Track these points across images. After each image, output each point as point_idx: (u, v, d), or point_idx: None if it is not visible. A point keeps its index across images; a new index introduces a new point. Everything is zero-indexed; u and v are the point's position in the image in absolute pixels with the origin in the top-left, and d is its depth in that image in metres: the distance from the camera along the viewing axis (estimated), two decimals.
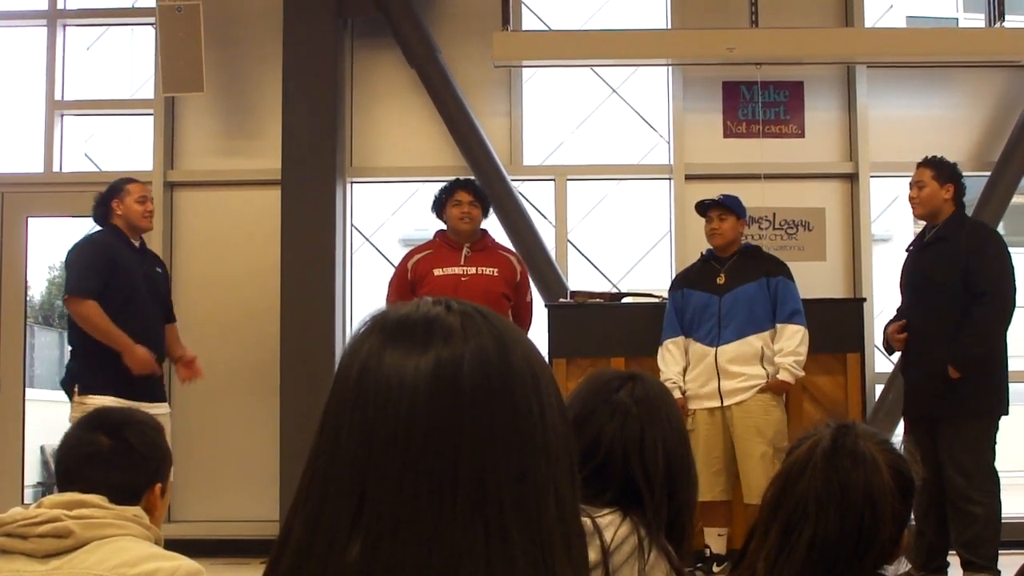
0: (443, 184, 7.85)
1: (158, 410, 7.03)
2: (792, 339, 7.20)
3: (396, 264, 7.96)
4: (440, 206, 7.72)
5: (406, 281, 7.61)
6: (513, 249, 8.11)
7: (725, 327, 7.24)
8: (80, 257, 6.98)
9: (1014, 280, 6.96)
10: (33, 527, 2.60)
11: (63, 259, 7.18)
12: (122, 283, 6.92)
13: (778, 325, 7.26)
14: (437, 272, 7.52)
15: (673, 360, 7.42)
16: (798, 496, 2.25)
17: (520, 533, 1.25)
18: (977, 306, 6.80)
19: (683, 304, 7.45)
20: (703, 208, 7.54)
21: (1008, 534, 7.47)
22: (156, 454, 2.94)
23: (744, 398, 7.12)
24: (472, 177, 8.37)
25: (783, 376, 7.13)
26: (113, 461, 2.82)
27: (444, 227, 7.75)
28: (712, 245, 7.51)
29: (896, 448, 2.39)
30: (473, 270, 7.54)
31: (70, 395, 6.85)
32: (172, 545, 2.79)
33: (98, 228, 7.18)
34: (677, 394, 7.36)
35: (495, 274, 7.57)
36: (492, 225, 8.42)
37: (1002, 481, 6.89)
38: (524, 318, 7.76)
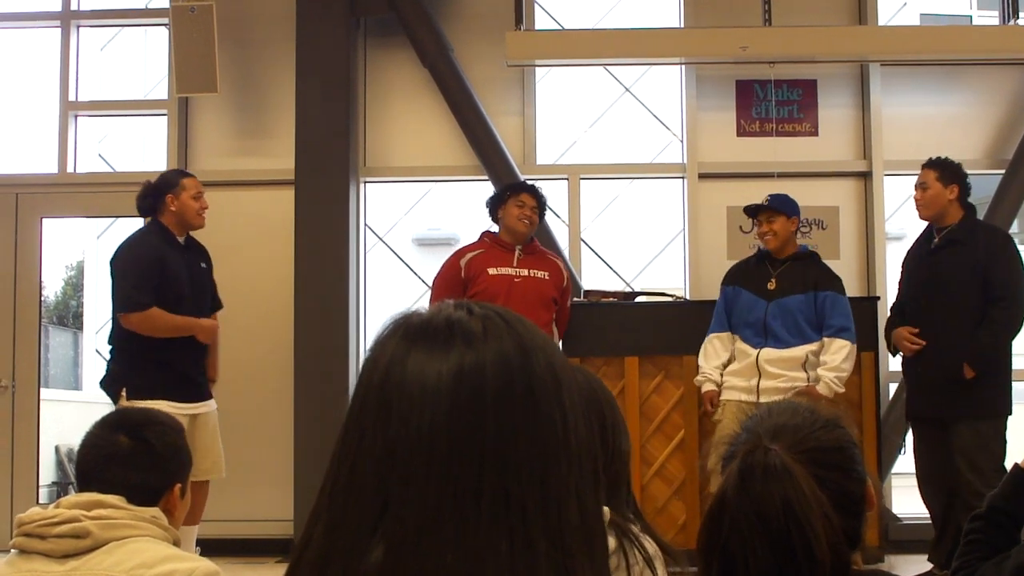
0: (507, 183, 7.88)
1: (208, 408, 7.01)
2: (838, 354, 7.15)
3: (421, 262, 7.95)
4: (500, 201, 7.75)
5: (459, 280, 7.61)
6: (560, 254, 8.12)
7: (770, 335, 7.22)
8: (131, 268, 6.81)
9: None
10: (51, 527, 2.61)
11: (110, 266, 6.97)
12: (170, 290, 6.80)
13: (825, 339, 7.21)
14: (491, 271, 7.55)
15: (715, 354, 7.41)
16: (724, 537, 2.12)
17: (543, 538, 1.25)
18: (994, 309, 6.83)
19: (733, 300, 7.44)
20: (751, 212, 7.52)
21: None
22: (176, 455, 2.94)
23: (779, 398, 7.08)
24: (536, 183, 8.32)
25: (821, 389, 7.05)
26: (133, 461, 2.82)
27: (491, 229, 7.82)
28: (768, 248, 7.46)
29: (833, 430, 2.27)
30: (526, 272, 7.59)
31: (115, 398, 6.73)
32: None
33: (142, 226, 7.05)
34: (710, 387, 7.35)
35: (546, 278, 7.62)
36: None
37: None
38: (564, 322, 7.79)
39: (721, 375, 7.36)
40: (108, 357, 7.00)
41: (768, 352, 7.19)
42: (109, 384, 6.84)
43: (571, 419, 1.32)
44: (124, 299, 6.76)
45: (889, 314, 7.48)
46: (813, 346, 7.20)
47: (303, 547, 1.31)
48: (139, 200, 7.03)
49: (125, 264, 6.86)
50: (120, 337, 6.83)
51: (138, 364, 6.74)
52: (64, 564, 2.60)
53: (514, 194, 7.74)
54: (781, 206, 7.40)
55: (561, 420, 1.31)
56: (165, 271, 6.80)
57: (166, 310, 6.75)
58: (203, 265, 7.18)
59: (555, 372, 1.34)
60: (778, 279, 7.34)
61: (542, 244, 8.15)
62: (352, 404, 1.34)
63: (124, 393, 6.65)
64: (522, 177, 8.93)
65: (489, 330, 1.32)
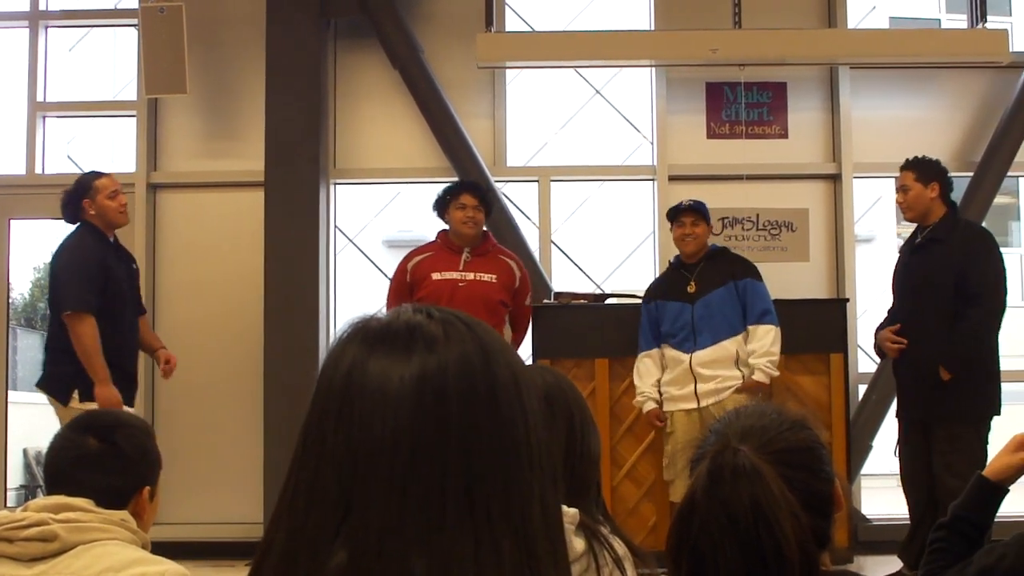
0: (447, 184, 7.82)
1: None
2: (764, 339, 7.22)
3: (392, 264, 7.90)
4: (443, 206, 7.68)
5: (405, 283, 7.59)
6: (513, 253, 8.04)
7: (700, 333, 7.26)
8: (77, 268, 6.80)
9: (1006, 282, 6.94)
10: (19, 531, 2.59)
11: (51, 266, 6.98)
12: (112, 290, 6.83)
13: (749, 327, 7.28)
14: (435, 276, 7.49)
15: (648, 373, 7.45)
16: (694, 538, 2.13)
17: (508, 540, 1.26)
18: (970, 307, 6.80)
19: (658, 316, 7.46)
20: (676, 212, 7.55)
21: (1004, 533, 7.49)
22: (145, 458, 2.93)
23: (720, 398, 7.12)
24: (476, 180, 8.31)
25: (758, 377, 7.14)
26: (102, 464, 2.81)
27: (446, 227, 7.74)
28: (684, 251, 7.50)
29: (801, 431, 2.27)
30: (471, 276, 7.50)
31: (64, 400, 6.71)
32: (156, 547, 2.79)
33: (75, 228, 7.03)
34: (651, 406, 7.38)
35: (493, 280, 7.54)
36: None
37: None
38: (521, 323, 7.75)
39: (659, 391, 7.39)
40: (46, 358, 6.96)
41: (699, 355, 7.23)
42: (54, 386, 6.80)
43: (532, 421, 1.33)
44: (74, 298, 6.73)
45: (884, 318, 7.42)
46: (741, 337, 7.26)
47: (264, 553, 1.31)
48: (62, 210, 7.06)
49: (71, 264, 6.85)
50: (69, 339, 6.78)
51: None
52: (32, 568, 2.59)
53: (454, 197, 7.66)
54: (707, 212, 7.52)
55: (523, 422, 1.32)
56: (108, 272, 6.82)
57: (111, 314, 6.77)
58: (133, 267, 7.20)
59: (515, 374, 1.34)
60: (696, 280, 7.40)
61: (512, 245, 8.15)
62: (312, 409, 1.34)
63: (76, 395, 6.63)
64: (493, 179, 8.93)
65: (450, 334, 1.33)
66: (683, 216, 7.48)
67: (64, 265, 6.88)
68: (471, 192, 7.68)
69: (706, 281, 7.37)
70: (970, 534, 3.11)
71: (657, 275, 7.90)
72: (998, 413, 6.89)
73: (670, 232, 7.63)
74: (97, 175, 7.13)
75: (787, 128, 9.26)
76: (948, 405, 6.77)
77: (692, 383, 7.22)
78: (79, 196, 6.99)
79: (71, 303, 6.73)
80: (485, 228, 7.78)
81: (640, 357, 7.51)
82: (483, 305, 7.35)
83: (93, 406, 6.45)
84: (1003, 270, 6.97)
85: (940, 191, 7.07)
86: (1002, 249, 7.24)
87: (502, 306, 7.53)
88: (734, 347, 7.23)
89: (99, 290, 6.77)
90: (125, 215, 7.09)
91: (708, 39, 8.72)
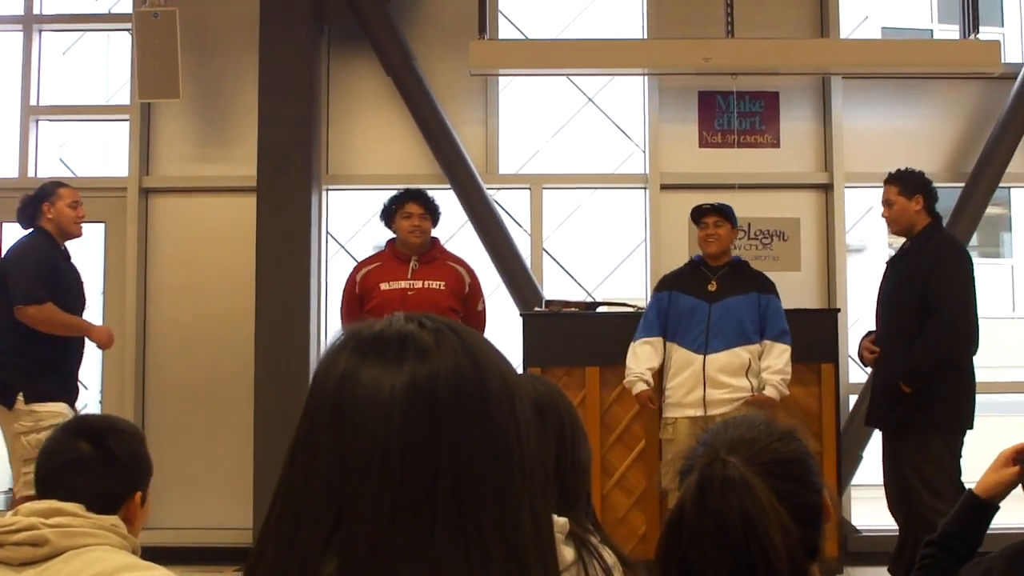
0: (392, 193, 7.76)
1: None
2: (780, 358, 7.20)
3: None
4: (389, 216, 7.63)
5: (355, 294, 7.55)
6: (462, 258, 7.92)
7: (714, 336, 7.21)
8: (28, 264, 6.92)
9: (970, 297, 6.86)
10: (9, 535, 2.59)
11: (3, 266, 7.06)
12: (61, 291, 6.93)
13: (766, 342, 7.25)
14: (384, 286, 7.44)
15: (645, 357, 7.36)
16: (683, 548, 2.12)
17: (499, 551, 1.26)
18: (929, 322, 6.77)
19: (668, 306, 7.41)
20: (699, 213, 7.53)
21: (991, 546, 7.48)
22: (137, 463, 2.93)
23: (728, 409, 7.04)
24: (421, 187, 8.23)
25: (769, 392, 7.11)
26: (94, 468, 2.81)
27: (394, 236, 7.70)
28: (706, 251, 7.44)
29: (790, 442, 2.26)
30: (420, 284, 7.45)
31: (8, 403, 6.74)
32: (146, 553, 2.78)
33: (29, 231, 7.12)
34: (641, 387, 7.32)
35: (442, 287, 7.47)
36: (468, 234, 8.43)
37: None
38: (477, 327, 7.67)
39: (652, 379, 7.35)
40: None
41: (715, 360, 7.18)
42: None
43: (524, 431, 1.33)
44: (22, 292, 6.83)
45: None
46: (755, 348, 7.24)
47: (255, 564, 1.31)
48: (18, 213, 7.18)
49: (21, 262, 6.96)
50: (16, 339, 6.85)
51: (35, 368, 6.78)
52: (22, 572, 2.58)
53: (399, 206, 7.57)
54: (731, 213, 7.48)
55: (514, 432, 1.32)
56: (58, 273, 6.98)
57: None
58: (80, 279, 7.29)
59: (507, 384, 1.34)
60: (719, 282, 7.36)
61: (503, 254, 8.12)
62: (303, 417, 1.34)
63: (21, 398, 6.69)
64: (485, 186, 8.94)
65: (442, 343, 1.33)
66: (705, 217, 7.46)
67: (14, 264, 6.99)
68: (416, 201, 7.58)
69: (729, 285, 7.33)
70: (960, 550, 3.11)
71: (671, 271, 7.79)
72: (970, 427, 6.82)
73: (697, 235, 7.55)
74: (60, 184, 7.29)
75: (779, 137, 9.28)
76: (914, 416, 6.74)
77: (701, 388, 7.18)
78: (39, 200, 7.12)
79: (18, 297, 6.83)
80: (434, 235, 7.74)
81: (639, 342, 7.43)
82: (433, 313, 7.26)
83: (41, 407, 6.66)
84: (967, 286, 6.88)
85: (924, 203, 7.02)
86: (993, 260, 7.22)
87: (452, 312, 7.40)
88: (747, 356, 7.20)
89: (49, 287, 6.87)
90: (80, 227, 7.23)
91: (701, 48, 8.74)
